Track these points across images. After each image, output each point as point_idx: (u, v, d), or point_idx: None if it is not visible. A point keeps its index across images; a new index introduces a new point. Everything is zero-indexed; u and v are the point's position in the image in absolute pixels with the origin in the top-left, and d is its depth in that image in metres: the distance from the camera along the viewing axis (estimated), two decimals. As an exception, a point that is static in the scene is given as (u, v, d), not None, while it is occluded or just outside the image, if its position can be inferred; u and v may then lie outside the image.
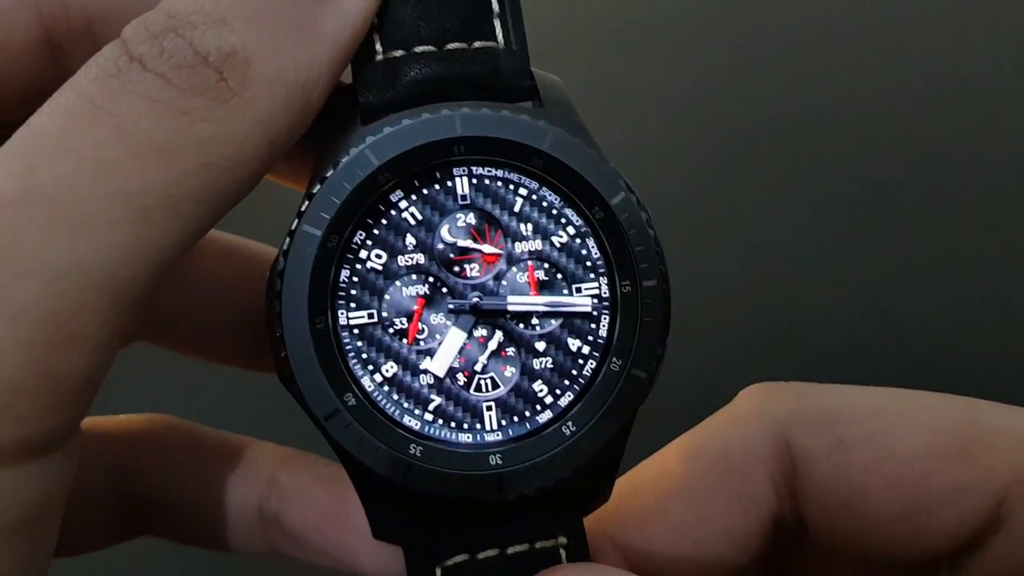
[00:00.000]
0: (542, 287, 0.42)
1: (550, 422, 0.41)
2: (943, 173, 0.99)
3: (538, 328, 0.42)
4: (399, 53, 0.42)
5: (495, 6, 0.43)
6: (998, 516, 0.41)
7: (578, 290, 0.42)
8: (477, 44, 0.42)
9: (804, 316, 0.91)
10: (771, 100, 1.04)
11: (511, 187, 0.42)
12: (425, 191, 0.41)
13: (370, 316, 0.41)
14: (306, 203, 0.40)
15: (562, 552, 0.43)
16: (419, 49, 0.42)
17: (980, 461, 0.41)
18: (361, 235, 0.41)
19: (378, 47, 0.42)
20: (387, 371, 0.41)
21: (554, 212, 0.42)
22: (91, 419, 0.44)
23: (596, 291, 0.42)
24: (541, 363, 0.42)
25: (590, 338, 0.42)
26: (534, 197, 0.42)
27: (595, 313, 0.42)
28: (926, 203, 0.97)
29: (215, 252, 0.49)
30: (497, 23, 0.43)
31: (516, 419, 0.42)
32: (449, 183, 0.42)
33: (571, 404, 0.42)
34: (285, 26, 0.37)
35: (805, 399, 0.45)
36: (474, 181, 0.42)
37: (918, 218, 0.97)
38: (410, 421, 0.41)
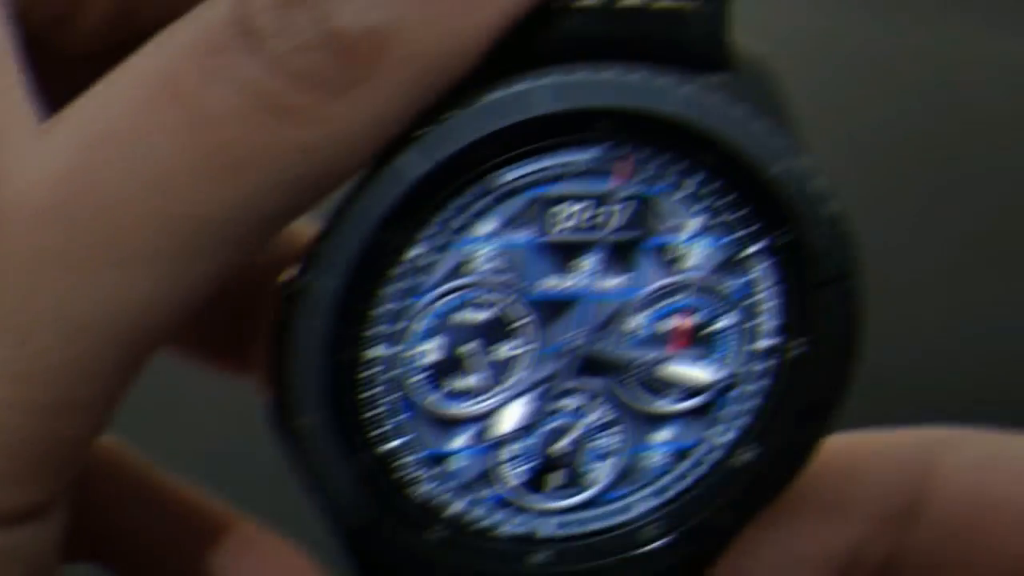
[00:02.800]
0: (694, 341, 0.30)
1: (632, 520, 0.31)
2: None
3: (665, 400, 0.30)
4: (556, 4, 0.30)
5: None
6: None
7: (734, 349, 0.30)
8: (658, 3, 0.30)
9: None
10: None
11: (672, 184, 0.29)
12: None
13: (416, 349, 0.29)
14: (374, 169, 0.28)
15: None
16: (582, 3, 0.30)
17: None
18: (430, 232, 0.29)
19: None
20: (420, 427, 0.30)
21: (723, 230, 0.30)
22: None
23: (758, 351, 0.30)
24: (649, 446, 0.30)
25: (727, 416, 0.30)
26: (700, 205, 0.29)
27: (749, 382, 0.30)
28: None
29: None
30: None
31: (587, 512, 0.31)
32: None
33: (671, 500, 0.31)
34: None
35: (964, 431, 0.37)
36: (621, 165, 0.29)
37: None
38: (441, 498, 0.30)
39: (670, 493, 0.30)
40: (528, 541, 0.30)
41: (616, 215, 0.29)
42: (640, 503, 0.31)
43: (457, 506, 0.30)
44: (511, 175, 0.28)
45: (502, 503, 0.30)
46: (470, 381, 0.29)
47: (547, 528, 0.30)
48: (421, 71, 0.26)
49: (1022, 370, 0.82)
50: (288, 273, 0.29)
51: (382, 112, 0.26)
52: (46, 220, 0.26)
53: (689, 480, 0.30)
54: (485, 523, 0.30)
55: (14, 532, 0.29)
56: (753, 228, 0.29)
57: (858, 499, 0.36)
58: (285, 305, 0.28)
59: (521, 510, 0.30)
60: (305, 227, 0.38)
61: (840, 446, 0.36)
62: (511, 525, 0.30)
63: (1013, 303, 0.86)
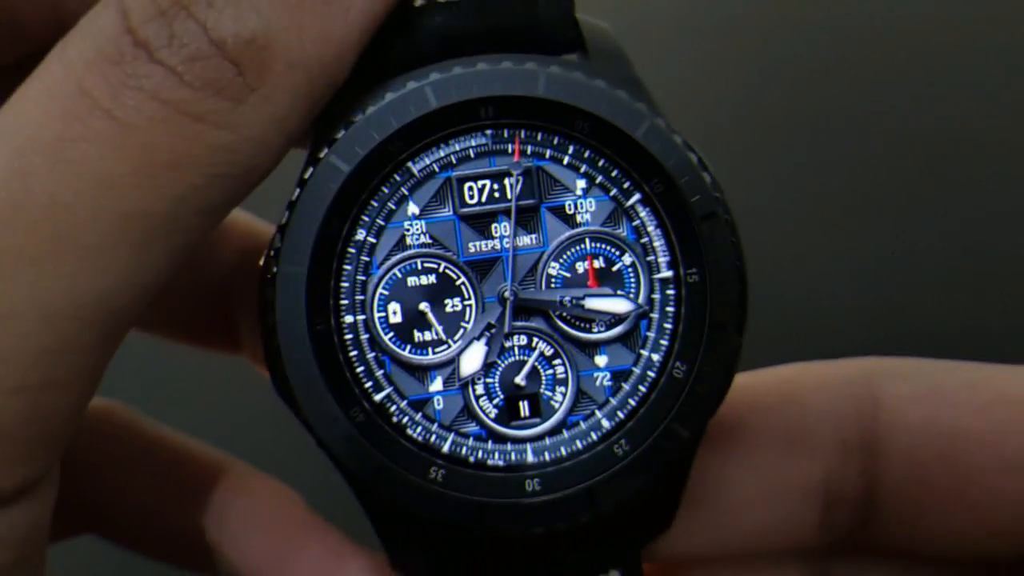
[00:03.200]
0: (602, 278, 0.36)
1: (599, 440, 0.35)
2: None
3: (594, 330, 0.36)
4: (419, 2, 0.37)
5: None
6: None
7: (639, 282, 0.36)
8: None
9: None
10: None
11: (556, 154, 0.36)
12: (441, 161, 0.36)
13: (379, 314, 0.36)
14: (310, 170, 0.35)
15: None
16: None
17: None
18: (367, 218, 0.35)
19: None
20: (400, 379, 0.36)
21: (607, 186, 0.36)
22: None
23: (660, 281, 0.36)
24: (592, 371, 0.36)
25: (651, 337, 0.36)
26: (581, 167, 0.36)
27: (658, 308, 0.36)
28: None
29: None
30: None
31: (558, 437, 0.36)
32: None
33: (626, 419, 0.36)
34: None
35: (901, 359, 0.40)
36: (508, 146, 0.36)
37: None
38: (430, 438, 0.35)
39: (624, 413, 0.36)
40: (518, 469, 0.35)
41: (515, 186, 0.36)
42: (601, 424, 0.36)
43: (449, 443, 0.35)
44: (421, 163, 0.35)
45: (486, 436, 0.36)
46: (430, 335, 0.36)
47: (528, 457, 0.35)
48: (306, 75, 0.32)
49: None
50: (262, 262, 0.35)
51: (283, 113, 0.31)
52: (3, 220, 0.29)
53: (636, 399, 0.36)
54: (477, 456, 0.35)
55: (2, 514, 0.31)
56: (630, 182, 0.36)
57: (810, 430, 0.39)
58: (265, 290, 0.35)
59: (503, 440, 0.36)
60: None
61: (784, 378, 0.40)
62: (500, 456, 0.35)
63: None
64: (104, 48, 0.31)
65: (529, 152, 0.36)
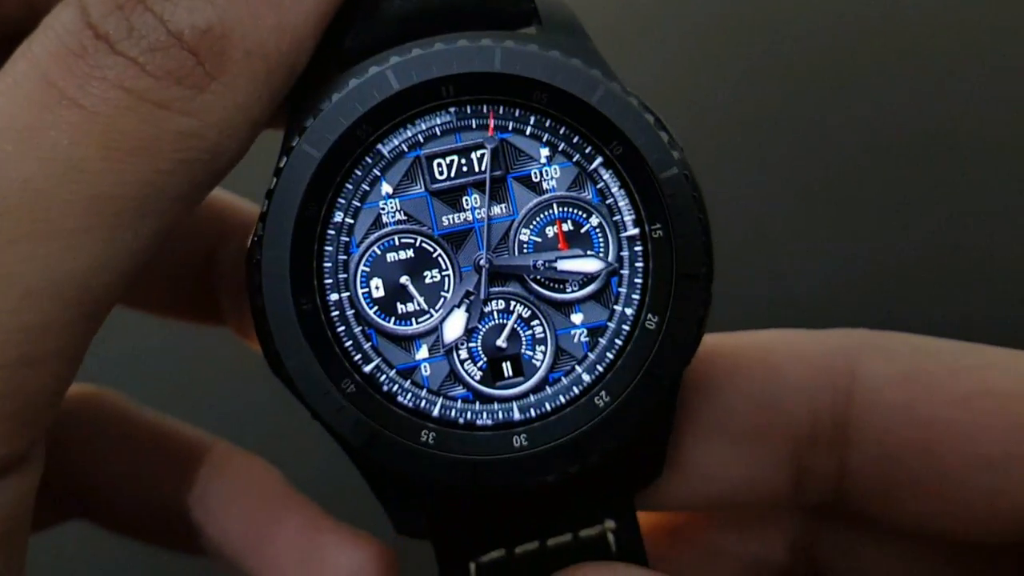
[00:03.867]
0: (571, 240, 0.38)
1: (581, 394, 0.37)
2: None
3: (567, 290, 0.38)
4: None
5: None
6: None
7: (607, 241, 0.38)
8: None
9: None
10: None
11: (519, 125, 0.37)
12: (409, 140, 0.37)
13: (363, 290, 0.37)
14: (283, 159, 0.36)
15: (610, 538, 0.38)
16: None
17: None
18: (343, 201, 0.37)
19: None
20: (387, 349, 0.37)
21: (569, 152, 0.37)
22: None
23: (627, 239, 0.37)
24: (569, 329, 0.37)
25: (622, 293, 0.37)
26: (543, 137, 0.37)
27: (627, 264, 0.37)
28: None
29: None
30: None
31: (542, 393, 0.37)
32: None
33: (604, 372, 0.37)
34: None
35: (882, 334, 0.39)
36: (471, 122, 0.37)
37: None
38: (420, 404, 0.37)
39: (602, 366, 0.37)
40: (505, 427, 0.37)
41: (481, 160, 0.37)
42: (581, 379, 0.37)
43: (438, 407, 0.37)
44: (390, 145, 0.37)
45: (473, 397, 0.37)
46: (412, 306, 0.37)
47: (514, 414, 0.37)
48: (265, 63, 0.33)
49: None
50: (248, 245, 0.37)
51: (244, 100, 0.32)
52: None
53: (613, 352, 0.37)
54: (466, 417, 0.37)
55: None
56: (591, 146, 0.37)
57: (782, 399, 0.40)
58: (252, 276, 0.36)
59: (489, 401, 0.37)
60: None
61: (763, 344, 0.41)
62: (487, 415, 0.37)
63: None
64: (67, 41, 0.31)
65: (492, 126, 0.37)
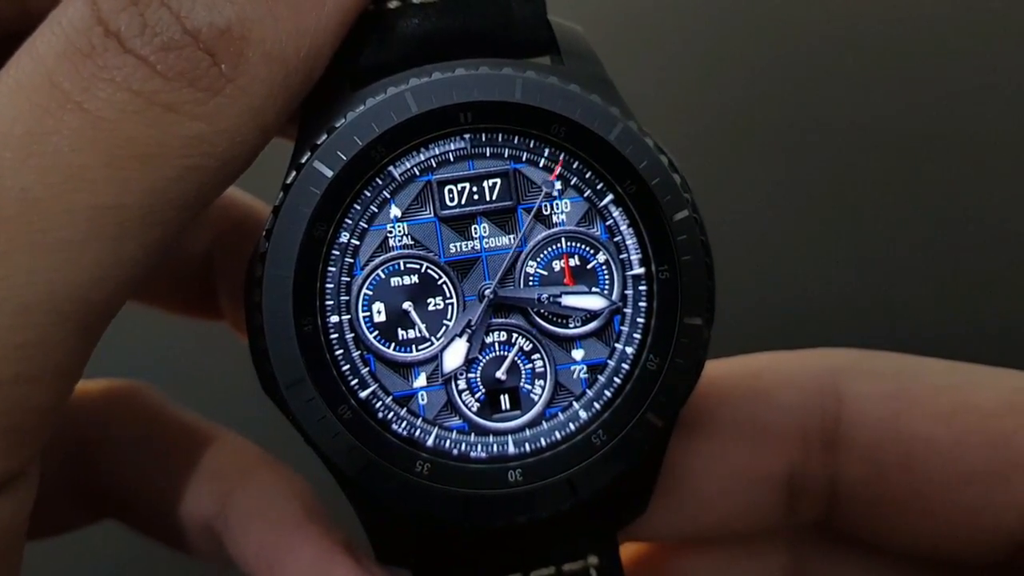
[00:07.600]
0: (578, 276, 0.37)
1: (577, 431, 0.37)
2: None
3: (570, 325, 0.37)
4: (394, 4, 0.37)
5: None
6: None
7: (612, 279, 0.37)
8: None
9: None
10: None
11: (532, 157, 0.37)
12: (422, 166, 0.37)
13: (364, 314, 0.36)
14: (292, 174, 0.35)
15: (593, 574, 0.38)
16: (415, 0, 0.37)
17: None
18: (350, 221, 0.36)
19: None
20: (385, 376, 0.37)
21: (581, 187, 0.37)
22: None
23: (632, 277, 0.37)
24: (569, 364, 0.37)
25: (624, 332, 0.37)
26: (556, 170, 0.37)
27: (631, 303, 0.37)
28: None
29: None
30: None
31: (538, 428, 0.37)
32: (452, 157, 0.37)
33: (602, 410, 0.37)
34: None
35: (867, 354, 0.40)
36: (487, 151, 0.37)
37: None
38: (414, 433, 0.36)
39: (600, 404, 0.37)
40: (500, 460, 0.36)
41: (492, 189, 0.37)
42: (579, 415, 0.37)
43: (433, 437, 0.36)
44: (402, 168, 0.36)
45: (468, 429, 0.37)
46: (413, 333, 0.37)
47: (509, 448, 0.36)
48: (283, 67, 0.31)
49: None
50: (250, 261, 0.36)
51: (259, 105, 0.31)
52: None
53: (612, 391, 0.37)
54: (460, 449, 0.36)
55: None
56: (604, 183, 0.37)
57: (775, 424, 0.40)
58: (252, 292, 0.35)
59: (485, 433, 0.37)
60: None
61: (752, 370, 0.41)
62: (482, 448, 0.36)
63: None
64: (74, 40, 0.30)
65: (506, 155, 0.37)
